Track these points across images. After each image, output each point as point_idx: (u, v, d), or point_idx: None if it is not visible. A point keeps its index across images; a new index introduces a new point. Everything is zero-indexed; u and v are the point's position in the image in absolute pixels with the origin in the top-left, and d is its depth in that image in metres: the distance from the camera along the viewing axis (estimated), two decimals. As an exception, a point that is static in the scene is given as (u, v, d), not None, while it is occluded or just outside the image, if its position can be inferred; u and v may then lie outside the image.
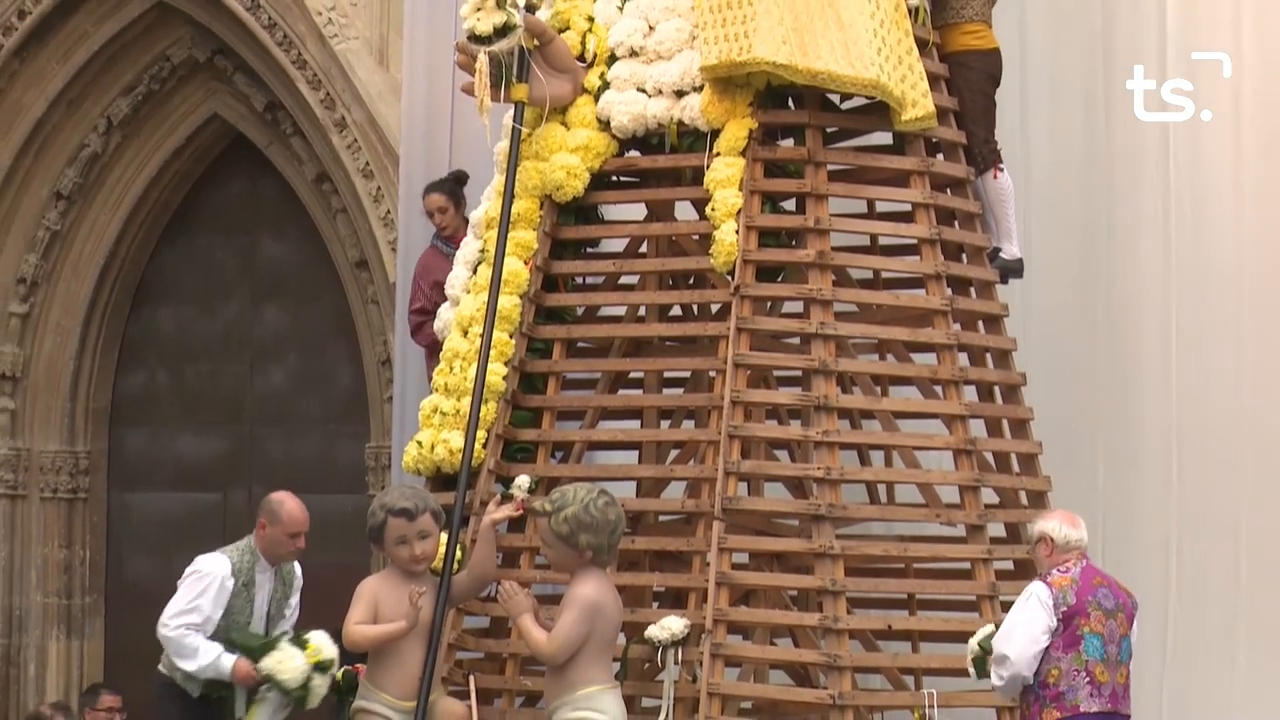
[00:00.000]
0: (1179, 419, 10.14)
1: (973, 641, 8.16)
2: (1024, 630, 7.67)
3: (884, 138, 9.34)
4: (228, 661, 8.59)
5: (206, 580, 8.65)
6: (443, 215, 10.85)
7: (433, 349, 10.04)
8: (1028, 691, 7.72)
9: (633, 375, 9.54)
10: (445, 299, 9.80)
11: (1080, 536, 7.87)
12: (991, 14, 9.70)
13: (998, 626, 7.97)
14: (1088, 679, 7.64)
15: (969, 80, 9.64)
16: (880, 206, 9.48)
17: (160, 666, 8.84)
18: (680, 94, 9.24)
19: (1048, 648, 7.64)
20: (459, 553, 8.68)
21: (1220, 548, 9.99)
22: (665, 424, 9.47)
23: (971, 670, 8.19)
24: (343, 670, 8.64)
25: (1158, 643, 10.03)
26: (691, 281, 9.48)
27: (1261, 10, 10.26)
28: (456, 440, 9.04)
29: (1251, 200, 10.15)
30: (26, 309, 14.99)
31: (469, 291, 9.41)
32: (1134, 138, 10.37)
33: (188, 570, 8.77)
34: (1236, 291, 10.11)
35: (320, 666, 8.70)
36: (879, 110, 9.16)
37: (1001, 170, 9.68)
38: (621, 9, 9.45)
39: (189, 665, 8.62)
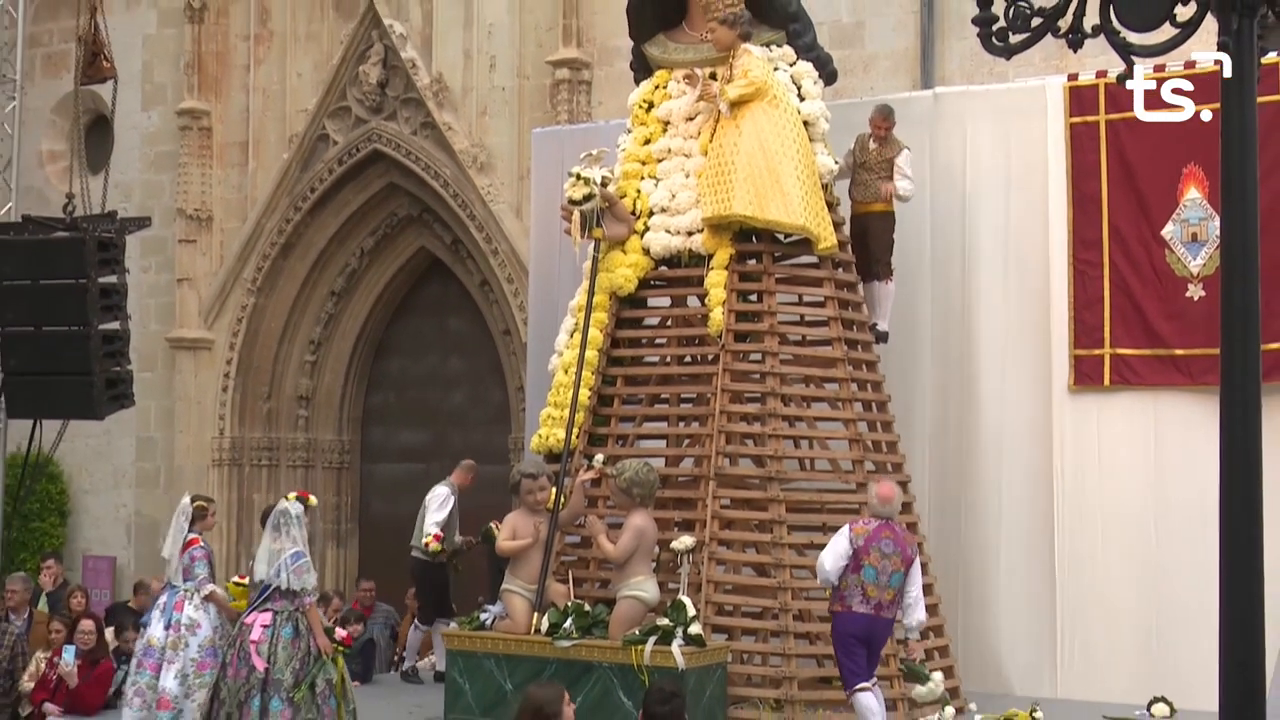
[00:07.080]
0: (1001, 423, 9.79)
1: None
2: (833, 552, 7.52)
3: (809, 258, 9.23)
4: None
5: None
6: None
7: None
8: (834, 589, 7.57)
9: (663, 396, 9.43)
10: None
11: (885, 510, 7.65)
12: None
13: None
14: (861, 592, 7.46)
15: (880, 228, 9.59)
16: (806, 298, 9.37)
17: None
18: (690, 233, 9.14)
19: (845, 565, 7.49)
20: (562, 499, 8.59)
21: (1036, 502, 9.61)
22: (682, 424, 9.35)
23: None
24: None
25: (991, 548, 9.70)
26: (697, 341, 9.36)
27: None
28: (561, 434, 8.94)
29: (1014, 294, 9.84)
30: (315, 358, 15.08)
31: (568, 348, 9.34)
32: (963, 249, 10.06)
33: None
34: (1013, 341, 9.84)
35: None
36: (805, 242, 9.05)
37: (891, 279, 9.59)
38: (656, 185, 9.39)
39: None
